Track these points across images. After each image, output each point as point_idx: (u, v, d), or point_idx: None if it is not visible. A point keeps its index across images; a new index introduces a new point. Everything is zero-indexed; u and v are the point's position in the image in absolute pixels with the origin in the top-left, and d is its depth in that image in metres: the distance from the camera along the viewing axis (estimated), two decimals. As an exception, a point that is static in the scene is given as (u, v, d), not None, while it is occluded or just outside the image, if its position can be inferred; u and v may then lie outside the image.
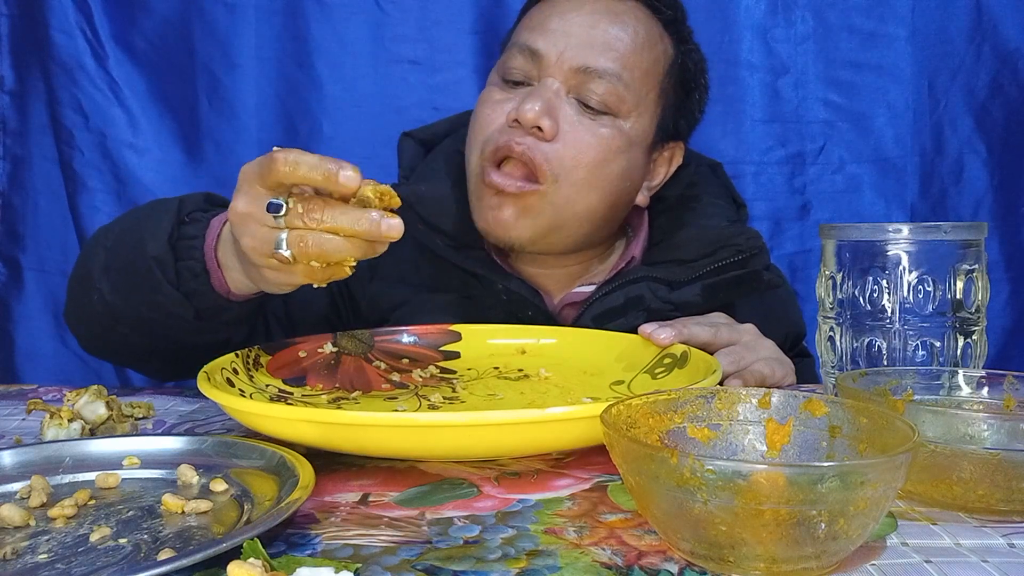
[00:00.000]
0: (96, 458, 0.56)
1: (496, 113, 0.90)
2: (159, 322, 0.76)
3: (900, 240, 0.66)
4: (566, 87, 0.89)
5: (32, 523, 0.47)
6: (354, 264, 0.60)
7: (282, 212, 0.57)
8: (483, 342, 0.86)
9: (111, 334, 0.80)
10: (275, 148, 0.58)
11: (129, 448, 0.57)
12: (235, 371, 0.70)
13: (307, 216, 0.57)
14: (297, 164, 0.56)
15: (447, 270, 0.96)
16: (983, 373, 0.61)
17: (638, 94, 0.91)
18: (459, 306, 0.95)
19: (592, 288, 0.96)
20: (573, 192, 0.88)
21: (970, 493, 0.48)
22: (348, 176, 0.56)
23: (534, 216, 0.89)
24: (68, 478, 0.54)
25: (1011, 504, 0.48)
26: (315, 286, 0.62)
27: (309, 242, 0.57)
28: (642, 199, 0.98)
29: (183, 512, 0.48)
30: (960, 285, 0.66)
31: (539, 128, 0.86)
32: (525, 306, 0.94)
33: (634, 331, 0.80)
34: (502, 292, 0.94)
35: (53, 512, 0.48)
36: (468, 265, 0.95)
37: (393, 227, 0.58)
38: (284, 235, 0.58)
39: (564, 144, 0.87)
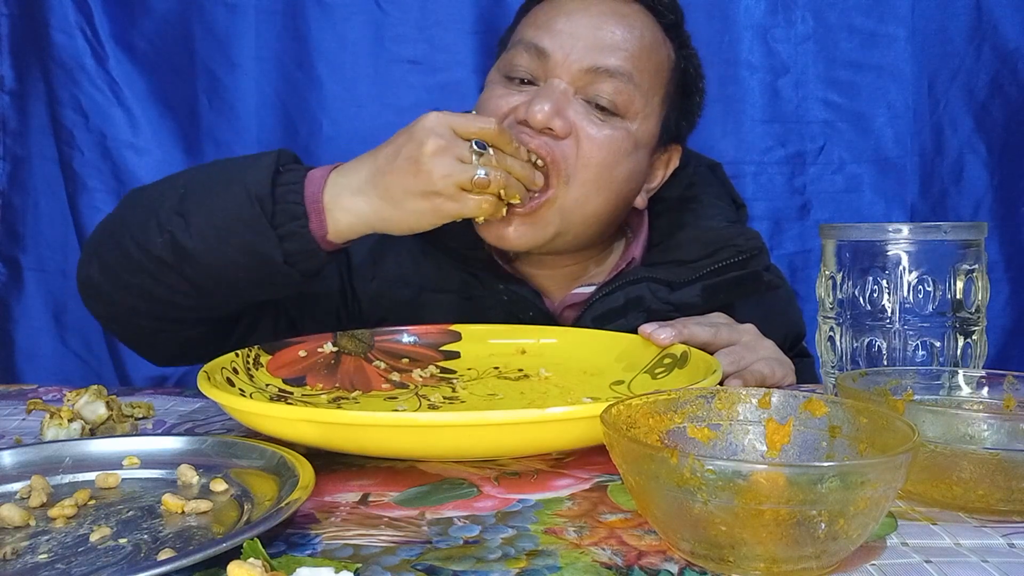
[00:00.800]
0: (96, 458, 0.56)
1: (501, 107, 0.89)
2: (235, 264, 0.78)
3: (900, 240, 0.66)
4: (574, 88, 0.87)
5: (32, 523, 0.47)
6: (515, 203, 0.83)
7: (485, 151, 0.78)
8: (483, 342, 0.86)
9: (157, 287, 0.81)
10: (494, 122, 0.79)
11: (129, 448, 0.57)
12: (235, 371, 0.70)
13: (498, 158, 0.79)
14: (518, 150, 0.82)
15: (447, 271, 0.96)
16: (983, 373, 0.61)
17: (646, 96, 0.90)
18: (459, 307, 0.94)
19: (592, 289, 0.96)
20: (582, 194, 0.88)
21: (970, 493, 0.48)
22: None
23: (541, 227, 0.88)
24: (68, 478, 0.54)
25: (1011, 504, 0.48)
26: (479, 219, 0.82)
27: (501, 175, 0.78)
28: (640, 201, 0.98)
29: (183, 512, 0.48)
30: (960, 285, 0.66)
31: (550, 129, 0.85)
32: (526, 307, 0.94)
33: (634, 332, 0.80)
34: (503, 293, 0.94)
35: (53, 512, 0.48)
36: (468, 266, 0.95)
37: (540, 177, 0.84)
38: (482, 169, 0.77)
39: (576, 142, 0.86)
